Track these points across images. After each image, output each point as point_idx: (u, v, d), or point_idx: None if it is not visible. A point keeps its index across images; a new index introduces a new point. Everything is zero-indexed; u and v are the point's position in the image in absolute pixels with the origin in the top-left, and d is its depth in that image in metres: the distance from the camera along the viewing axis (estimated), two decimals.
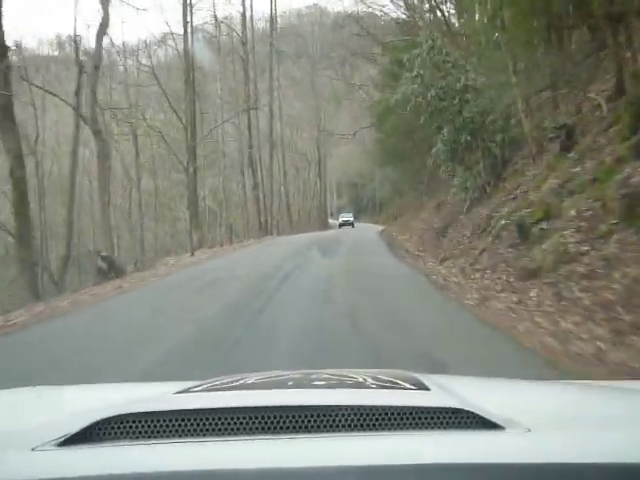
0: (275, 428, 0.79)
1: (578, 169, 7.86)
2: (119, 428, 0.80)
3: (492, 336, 5.09)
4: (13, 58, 17.84)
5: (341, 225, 43.00)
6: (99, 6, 22.25)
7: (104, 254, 16.38)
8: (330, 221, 65.43)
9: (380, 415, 0.80)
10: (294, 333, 5.67)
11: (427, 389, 1.00)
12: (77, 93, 21.53)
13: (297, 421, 0.79)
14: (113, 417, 0.82)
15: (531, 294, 6.20)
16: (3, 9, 14.42)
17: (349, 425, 0.79)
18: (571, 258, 6.09)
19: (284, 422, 0.79)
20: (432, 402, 0.87)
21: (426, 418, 0.80)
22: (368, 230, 32.19)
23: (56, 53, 42.34)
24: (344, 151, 63.15)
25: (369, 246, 18.38)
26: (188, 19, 26.10)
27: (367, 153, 46.03)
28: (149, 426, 0.80)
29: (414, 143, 23.32)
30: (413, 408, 0.82)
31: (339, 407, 0.81)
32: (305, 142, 48.27)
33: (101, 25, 22.19)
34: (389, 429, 0.79)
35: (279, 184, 40.36)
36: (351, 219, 44.46)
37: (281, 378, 1.13)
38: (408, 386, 1.01)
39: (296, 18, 52.14)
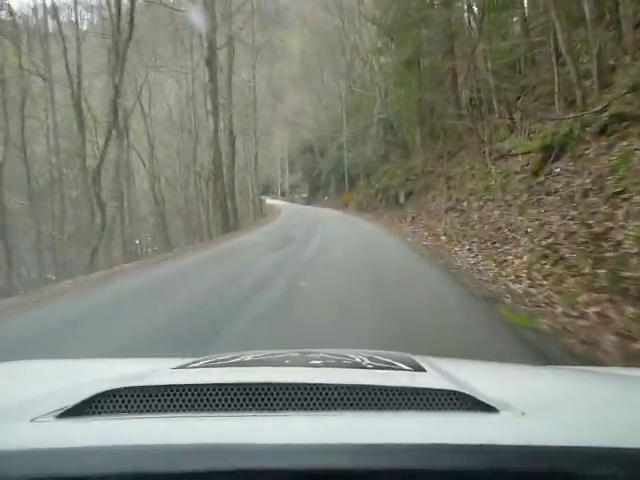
0: (271, 405, 0.80)
1: None
2: (117, 402, 0.81)
3: None
4: None
5: None
6: None
7: None
8: (275, 202, 45.98)
9: (375, 395, 0.81)
10: None
11: (423, 371, 1.01)
12: None
13: (293, 399, 0.81)
14: (111, 391, 0.82)
15: None
16: None
17: (344, 404, 0.80)
18: None
19: (280, 399, 0.80)
20: (427, 383, 0.88)
21: (421, 399, 0.81)
22: None
23: None
24: (295, 102, 46.19)
25: None
26: None
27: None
28: (146, 400, 0.81)
29: None
30: (408, 389, 0.83)
31: (334, 386, 0.82)
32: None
33: None
34: (384, 409, 0.80)
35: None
36: None
37: (278, 356, 1.13)
38: (404, 367, 1.01)
39: None
